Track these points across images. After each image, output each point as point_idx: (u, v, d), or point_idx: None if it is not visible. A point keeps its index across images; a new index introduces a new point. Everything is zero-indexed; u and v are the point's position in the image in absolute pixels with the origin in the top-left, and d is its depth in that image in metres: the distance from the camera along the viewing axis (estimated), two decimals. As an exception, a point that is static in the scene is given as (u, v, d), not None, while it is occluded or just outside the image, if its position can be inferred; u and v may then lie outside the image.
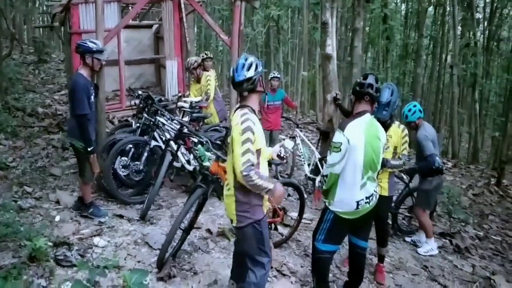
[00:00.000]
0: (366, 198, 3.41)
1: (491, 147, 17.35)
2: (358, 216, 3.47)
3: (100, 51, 4.54)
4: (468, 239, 6.29)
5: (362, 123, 3.33)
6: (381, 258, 4.62)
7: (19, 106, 9.13)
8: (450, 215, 6.65)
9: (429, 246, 5.46)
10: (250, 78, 2.89)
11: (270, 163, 5.40)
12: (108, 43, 5.87)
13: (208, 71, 7.36)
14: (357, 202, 3.38)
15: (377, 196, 3.59)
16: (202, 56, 7.37)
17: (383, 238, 4.58)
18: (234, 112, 2.99)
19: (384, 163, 4.11)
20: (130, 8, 9.15)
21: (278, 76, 7.63)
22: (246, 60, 2.93)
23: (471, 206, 8.25)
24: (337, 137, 3.30)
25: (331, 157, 3.34)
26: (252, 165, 2.78)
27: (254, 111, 2.95)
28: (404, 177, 6.08)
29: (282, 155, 3.17)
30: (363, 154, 3.30)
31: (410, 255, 5.35)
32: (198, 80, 6.99)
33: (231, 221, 3.10)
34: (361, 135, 3.28)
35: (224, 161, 3.61)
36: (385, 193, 4.34)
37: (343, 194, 3.40)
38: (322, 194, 3.55)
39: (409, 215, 6.09)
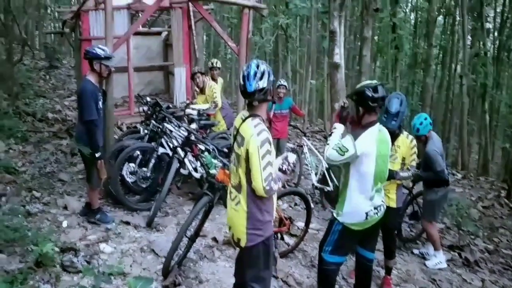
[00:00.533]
0: (375, 208, 3.39)
1: (502, 158, 17.16)
2: (367, 227, 3.44)
3: (108, 58, 4.56)
4: (478, 252, 6.20)
5: (374, 132, 3.30)
6: (388, 271, 4.57)
7: (30, 111, 9.23)
8: (459, 228, 6.56)
9: (438, 259, 5.39)
10: (262, 89, 2.72)
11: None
12: (118, 50, 5.91)
13: (215, 79, 7.40)
14: (366, 213, 3.35)
15: (385, 206, 3.56)
16: (209, 65, 7.40)
17: (391, 250, 4.52)
18: (243, 121, 2.81)
19: (393, 175, 4.07)
20: (139, 15, 9.24)
21: (285, 84, 7.62)
22: (258, 68, 2.73)
23: (481, 219, 8.14)
24: (347, 142, 3.23)
25: (332, 154, 3.27)
26: (272, 177, 2.70)
27: (263, 121, 2.81)
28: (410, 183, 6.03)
29: (284, 168, 2.98)
30: (374, 165, 3.26)
31: (418, 268, 5.28)
32: (201, 91, 6.99)
33: (238, 240, 2.86)
34: (373, 146, 3.24)
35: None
36: (393, 205, 4.30)
37: (352, 205, 3.36)
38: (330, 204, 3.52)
39: (411, 222, 6.03)
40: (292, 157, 3.05)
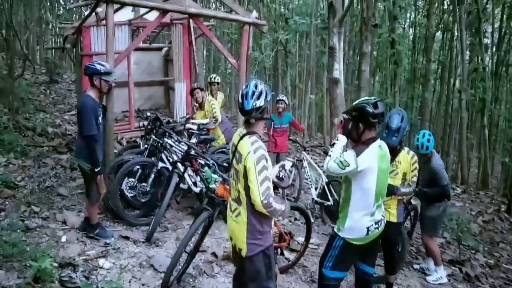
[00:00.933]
0: (375, 223, 3.38)
1: (501, 172, 17.15)
2: (368, 242, 3.43)
3: (108, 73, 4.57)
4: (478, 267, 6.16)
5: (375, 148, 3.30)
6: (389, 286, 4.54)
7: (30, 125, 9.23)
8: (459, 242, 6.53)
9: (438, 275, 5.35)
10: (259, 107, 2.86)
11: (276, 186, 5.39)
12: (118, 65, 5.95)
13: (214, 94, 7.45)
14: (367, 228, 3.35)
15: (385, 221, 3.55)
16: (208, 81, 7.46)
17: (392, 266, 4.49)
18: (241, 138, 2.93)
19: (394, 191, 4.07)
20: (140, 31, 9.33)
21: (283, 99, 7.66)
22: (256, 87, 2.88)
23: (481, 233, 8.11)
24: (349, 157, 3.22)
25: (332, 167, 3.27)
26: (270, 192, 2.78)
27: (260, 138, 2.94)
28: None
29: (280, 175, 3.05)
30: (376, 182, 3.26)
31: (418, 283, 5.25)
32: (200, 107, 7.02)
33: (239, 250, 2.96)
34: (375, 162, 3.24)
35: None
36: (394, 220, 4.28)
37: (353, 221, 3.36)
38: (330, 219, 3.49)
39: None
40: (288, 165, 3.12)
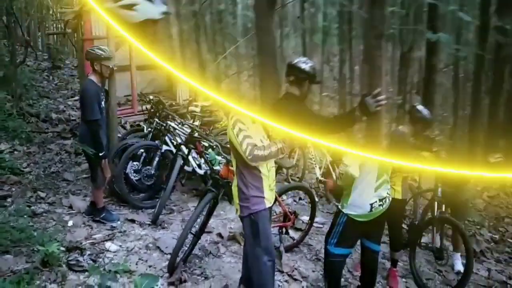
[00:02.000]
0: (380, 200, 3.39)
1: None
2: (372, 219, 3.44)
3: (108, 58, 4.56)
4: (484, 242, 6.18)
5: None
6: (394, 263, 4.56)
7: (33, 112, 9.26)
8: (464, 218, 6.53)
9: None
10: None
11: (280, 166, 5.40)
12: (120, 49, 5.91)
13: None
14: (371, 204, 3.36)
15: (390, 198, 3.55)
16: None
17: (397, 242, 4.51)
18: None
19: None
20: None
21: None
22: None
23: (486, 209, 8.10)
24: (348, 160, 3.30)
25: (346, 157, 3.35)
26: (254, 145, 2.97)
27: None
28: None
29: None
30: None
31: (423, 259, 5.27)
32: None
33: (236, 211, 3.27)
34: None
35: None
36: (399, 196, 4.27)
37: (357, 197, 3.38)
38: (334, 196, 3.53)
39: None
40: None
